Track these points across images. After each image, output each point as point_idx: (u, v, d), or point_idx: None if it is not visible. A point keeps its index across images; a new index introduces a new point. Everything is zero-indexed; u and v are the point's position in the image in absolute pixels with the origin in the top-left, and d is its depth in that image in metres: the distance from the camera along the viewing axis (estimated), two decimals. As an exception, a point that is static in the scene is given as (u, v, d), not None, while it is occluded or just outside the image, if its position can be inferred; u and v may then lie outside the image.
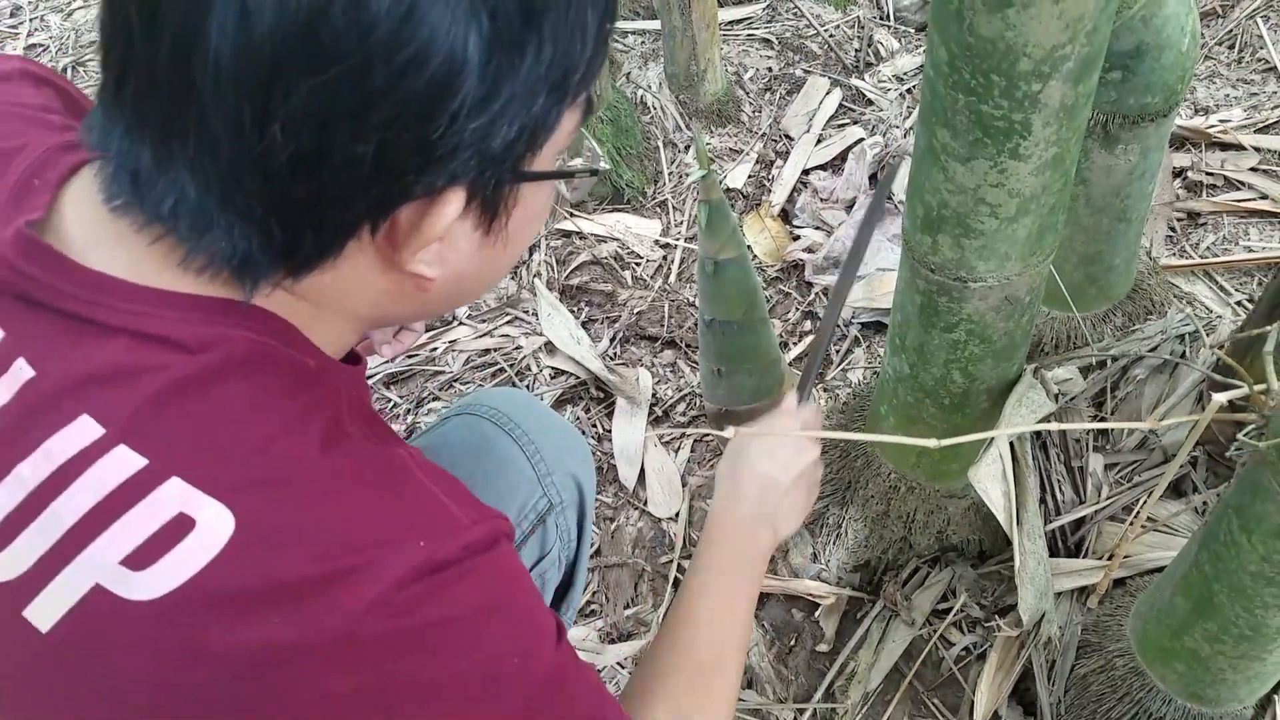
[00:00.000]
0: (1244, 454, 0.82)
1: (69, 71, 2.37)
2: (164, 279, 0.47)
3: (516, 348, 1.70)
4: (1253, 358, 1.09)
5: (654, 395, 1.61)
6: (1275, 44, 1.94)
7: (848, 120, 1.99)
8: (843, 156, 1.91)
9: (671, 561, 1.42)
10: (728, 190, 1.89)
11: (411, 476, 0.51)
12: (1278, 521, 0.80)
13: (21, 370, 0.47)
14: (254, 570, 0.44)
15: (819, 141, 1.95)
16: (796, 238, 1.81)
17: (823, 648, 1.30)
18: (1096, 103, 1.07)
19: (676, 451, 1.56)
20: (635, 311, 1.72)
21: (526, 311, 1.74)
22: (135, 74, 0.44)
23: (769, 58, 2.13)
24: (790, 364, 1.59)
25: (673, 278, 1.78)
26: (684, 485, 1.51)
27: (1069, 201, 0.89)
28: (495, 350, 1.70)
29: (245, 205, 0.45)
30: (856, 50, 2.12)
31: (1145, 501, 1.20)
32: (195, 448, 0.46)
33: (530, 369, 1.67)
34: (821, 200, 1.84)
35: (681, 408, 1.61)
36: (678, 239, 1.83)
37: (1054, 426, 0.82)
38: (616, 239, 1.84)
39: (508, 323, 1.74)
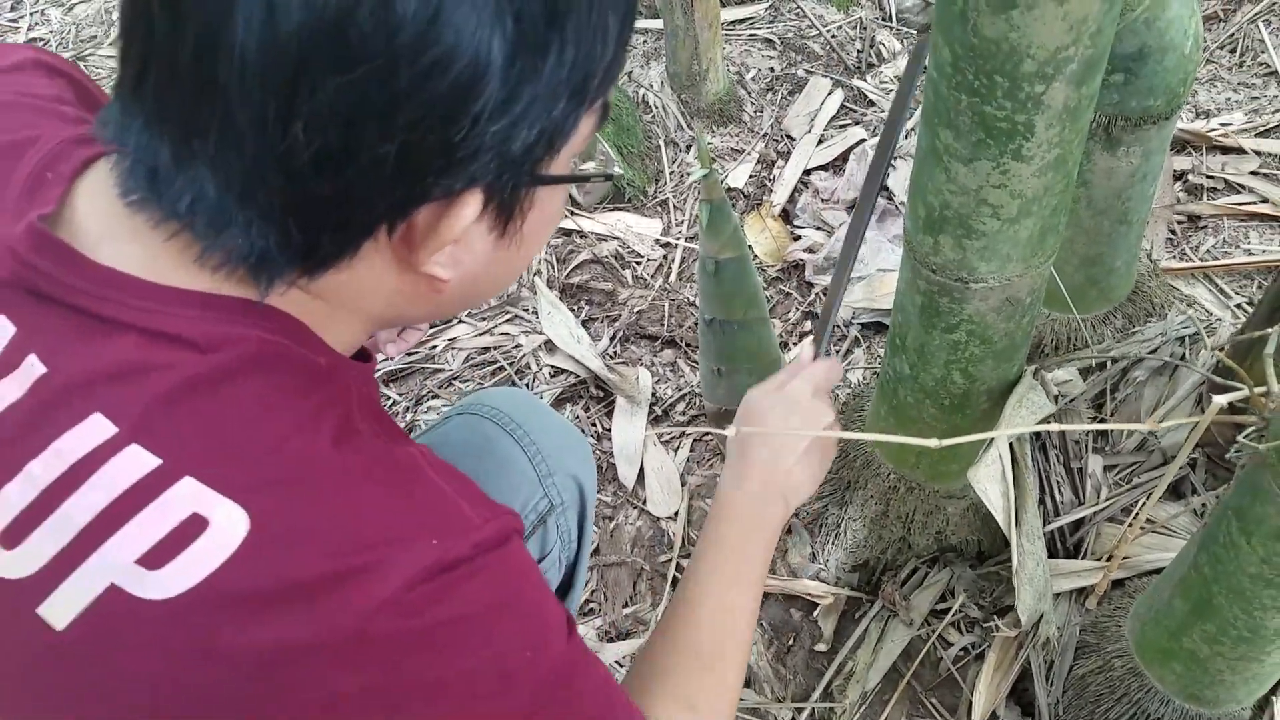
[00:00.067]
0: (1244, 456, 0.82)
1: (70, 66, 2.36)
2: (178, 276, 0.47)
3: (516, 346, 1.70)
4: (1253, 360, 1.10)
5: (654, 394, 1.61)
6: (1276, 48, 1.95)
7: (849, 121, 2.00)
8: (844, 157, 1.91)
9: (670, 560, 1.42)
10: (729, 190, 1.89)
11: (423, 474, 0.51)
12: (1277, 524, 0.80)
13: (33, 366, 0.46)
14: (268, 570, 0.44)
15: (820, 142, 1.95)
16: (797, 238, 1.81)
17: (821, 647, 1.30)
18: (1099, 105, 1.07)
19: (676, 451, 1.56)
20: (635, 310, 1.72)
21: (526, 310, 1.74)
22: (156, 68, 0.43)
23: (771, 58, 2.13)
24: (789, 363, 1.59)
25: (673, 277, 1.78)
26: (683, 485, 1.51)
27: (1070, 203, 0.89)
28: (495, 348, 1.70)
29: (265, 203, 0.44)
30: (858, 51, 2.12)
31: (1144, 503, 1.20)
32: (208, 447, 0.46)
33: (530, 367, 1.67)
34: (822, 201, 1.84)
35: (681, 407, 1.61)
36: (678, 238, 1.83)
37: (1054, 427, 0.82)
38: (617, 238, 1.84)
39: (507, 321, 1.74)
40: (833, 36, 2.15)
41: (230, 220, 0.45)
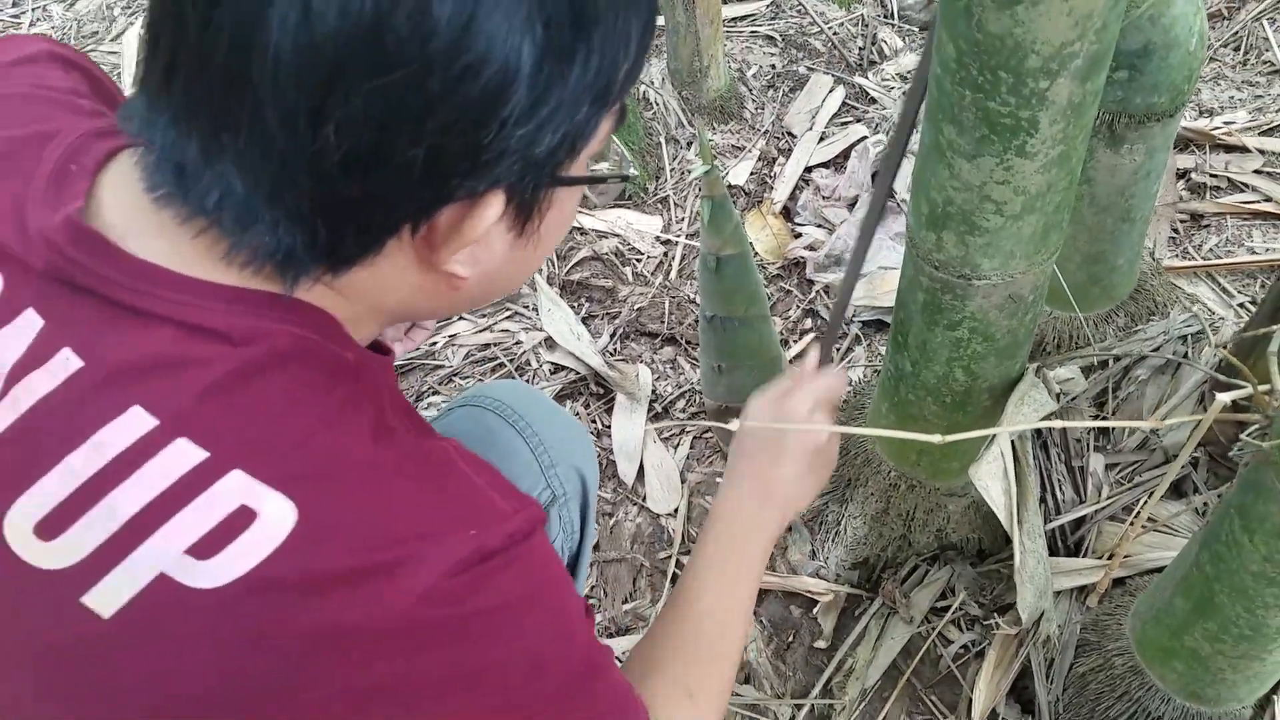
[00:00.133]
0: (1246, 454, 0.82)
1: (70, 61, 2.36)
2: (205, 271, 0.48)
3: (516, 343, 1.69)
4: (1256, 358, 1.09)
5: (654, 392, 1.61)
6: None
7: (851, 118, 1.99)
8: (845, 154, 1.90)
9: (670, 557, 1.42)
10: (730, 187, 1.89)
11: (456, 468, 0.52)
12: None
13: (68, 360, 0.47)
14: (315, 559, 0.45)
15: (822, 139, 1.95)
16: (798, 235, 1.81)
17: (820, 644, 1.30)
18: (1103, 102, 1.06)
19: (676, 448, 1.55)
20: (635, 308, 1.72)
21: (526, 307, 1.74)
22: (186, 64, 0.44)
23: (772, 55, 2.13)
24: (791, 361, 1.59)
25: (673, 274, 1.77)
26: (683, 481, 1.51)
27: (1073, 201, 0.88)
28: (495, 345, 1.70)
29: (293, 203, 0.45)
30: (860, 48, 2.12)
31: (1146, 501, 1.20)
32: (252, 440, 0.46)
33: (530, 364, 1.66)
34: (824, 198, 1.84)
35: (681, 404, 1.61)
36: (679, 235, 1.83)
37: (1057, 424, 0.81)
38: (617, 235, 1.84)
39: (508, 318, 1.74)
40: (834, 33, 2.14)
41: (257, 218, 0.45)
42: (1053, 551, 1.24)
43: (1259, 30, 1.98)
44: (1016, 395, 1.02)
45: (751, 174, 1.92)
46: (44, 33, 2.44)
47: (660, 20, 2.06)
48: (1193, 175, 1.76)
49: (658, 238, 1.83)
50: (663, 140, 1.96)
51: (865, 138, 1.91)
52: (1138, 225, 1.25)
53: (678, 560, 1.42)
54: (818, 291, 1.72)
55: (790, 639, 1.32)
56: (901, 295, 1.01)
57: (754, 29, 2.18)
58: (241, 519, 0.45)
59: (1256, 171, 1.75)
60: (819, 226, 1.81)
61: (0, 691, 0.49)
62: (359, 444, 0.48)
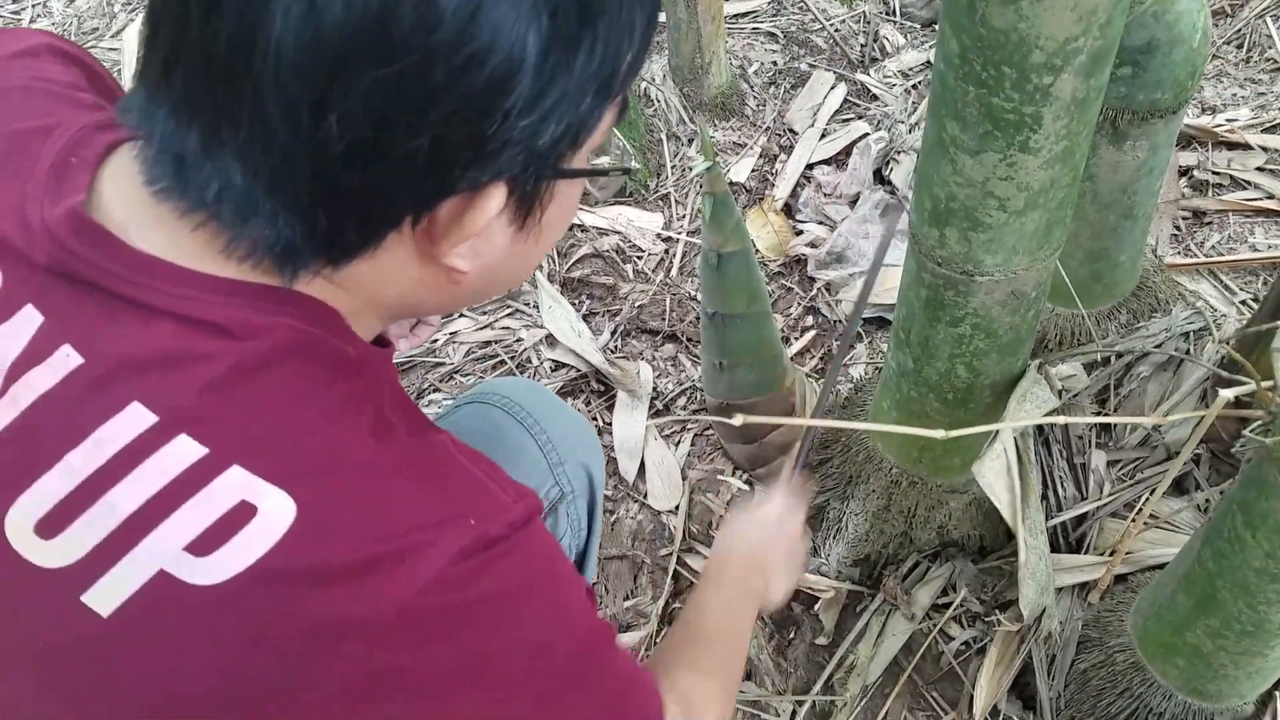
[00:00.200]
0: (1249, 450, 0.82)
1: (71, 57, 2.35)
2: (205, 264, 0.47)
3: (517, 340, 1.69)
4: (1259, 354, 1.09)
5: (655, 389, 1.61)
6: (1281, 43, 1.94)
7: (852, 115, 1.99)
8: (847, 151, 1.90)
9: (671, 554, 1.42)
10: (731, 184, 1.89)
11: (455, 460, 0.52)
12: (1283, 518, 0.80)
13: (68, 356, 0.46)
14: (315, 553, 0.45)
15: (823, 136, 1.94)
16: (799, 232, 1.80)
17: (822, 641, 1.30)
18: (1106, 98, 1.06)
19: (676, 445, 1.55)
20: (636, 305, 1.72)
21: (527, 304, 1.73)
22: (186, 56, 0.43)
23: (774, 51, 2.12)
24: (792, 359, 1.59)
25: (674, 271, 1.77)
26: (684, 479, 1.50)
27: (1076, 197, 0.88)
28: (496, 342, 1.70)
29: (293, 195, 0.44)
30: (862, 45, 2.12)
31: (1148, 498, 1.20)
32: (253, 436, 0.46)
33: (531, 361, 1.66)
34: (825, 195, 1.84)
35: (682, 401, 1.61)
36: (679, 233, 1.83)
37: (1061, 420, 0.81)
38: (618, 232, 1.84)
39: (508, 315, 1.74)
40: (836, 30, 2.14)
41: (257, 210, 0.45)
42: (1054, 548, 1.24)
43: (1262, 27, 1.98)
44: (1019, 392, 1.02)
45: (753, 171, 1.92)
46: (43, 29, 2.44)
47: (661, 17, 2.06)
48: (1195, 172, 1.76)
49: (659, 235, 1.83)
50: (664, 137, 1.95)
51: (867, 135, 1.91)
52: (1140, 222, 1.25)
53: (678, 557, 1.42)
54: (819, 288, 1.72)
55: (791, 635, 1.32)
56: (904, 292, 1.01)
57: (755, 26, 2.18)
58: (241, 515, 0.45)
59: (1259, 169, 1.75)
60: (820, 223, 1.81)
61: (1, 691, 0.49)
62: (359, 440, 0.48)
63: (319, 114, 0.41)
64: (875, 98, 2.01)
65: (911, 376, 1.05)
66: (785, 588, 0.94)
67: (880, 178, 1.84)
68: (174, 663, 0.45)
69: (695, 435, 1.57)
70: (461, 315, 1.74)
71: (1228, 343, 1.26)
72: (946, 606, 1.27)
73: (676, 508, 1.47)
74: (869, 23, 2.15)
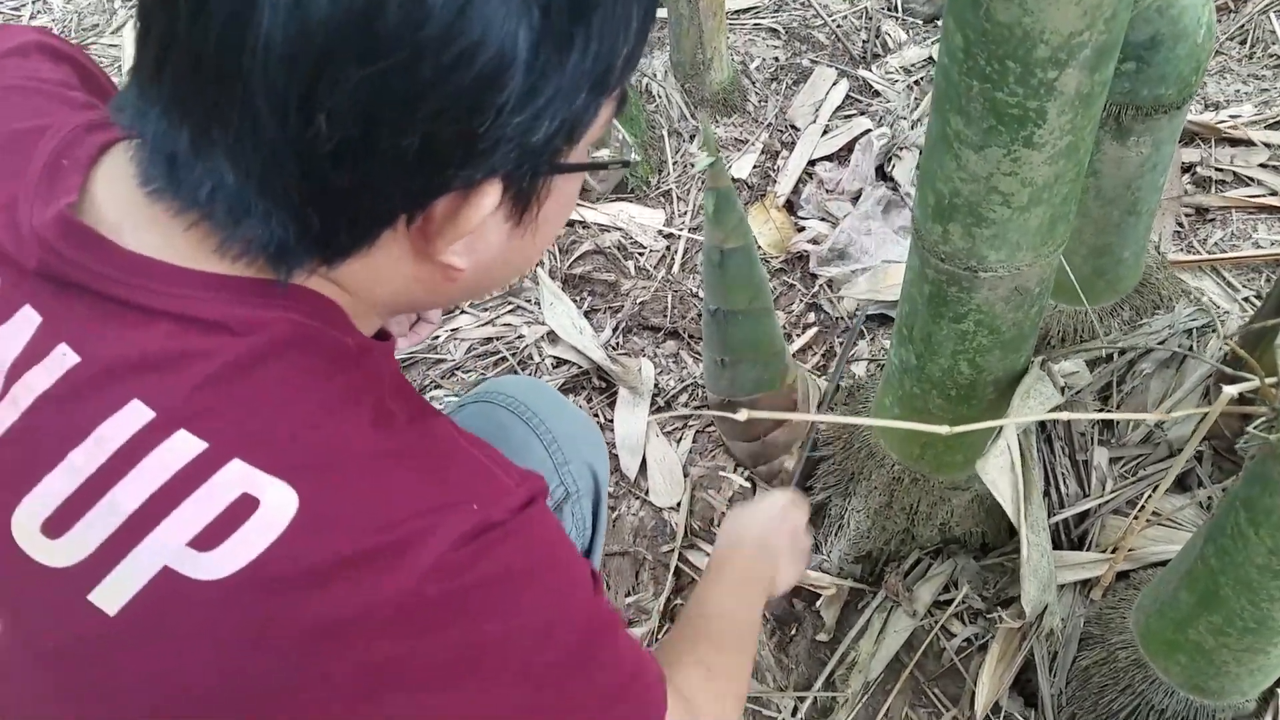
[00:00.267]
0: (1252, 447, 0.82)
1: (71, 53, 2.35)
2: (199, 263, 0.47)
3: (519, 336, 1.69)
4: (1262, 351, 1.09)
5: (656, 386, 1.61)
6: (1285, 40, 1.94)
7: (854, 111, 1.98)
8: (849, 148, 1.90)
9: (672, 551, 1.42)
10: (732, 180, 1.88)
11: (458, 446, 0.52)
12: (1286, 515, 0.80)
13: (65, 356, 0.46)
14: (317, 547, 0.45)
15: (825, 132, 1.94)
16: (801, 229, 1.80)
17: (823, 637, 1.30)
18: (1109, 93, 1.06)
19: (678, 442, 1.55)
20: (638, 301, 1.71)
21: (529, 300, 1.73)
22: (176, 54, 0.43)
23: (775, 47, 2.12)
24: (794, 355, 1.59)
25: (676, 268, 1.77)
26: (685, 475, 1.50)
27: (1080, 193, 0.88)
28: (497, 339, 1.69)
29: (284, 193, 0.44)
30: (864, 41, 2.11)
31: (1151, 495, 1.19)
32: (252, 429, 0.46)
33: (532, 358, 1.66)
34: (827, 191, 1.83)
35: (684, 398, 1.61)
36: (681, 229, 1.82)
37: (1066, 416, 0.81)
38: (620, 228, 1.83)
39: (510, 311, 1.73)
40: (838, 26, 2.14)
41: (249, 210, 0.45)
42: (1056, 545, 1.24)
43: (1266, 23, 1.97)
44: (1022, 388, 1.02)
45: (754, 167, 1.91)
46: (44, 25, 2.44)
47: (662, 13, 2.06)
48: (1198, 169, 1.76)
49: (660, 231, 1.83)
50: (665, 133, 1.95)
51: (869, 131, 1.90)
52: (1143, 218, 1.25)
53: (680, 554, 1.41)
54: (820, 285, 1.71)
55: (793, 632, 1.32)
56: (907, 288, 1.01)
57: (757, 21, 2.17)
58: (243, 508, 0.44)
59: (1262, 165, 1.75)
60: (822, 220, 1.80)
61: (6, 691, 0.48)
62: (359, 431, 0.48)
63: (307, 111, 0.41)
64: (877, 94, 2.00)
65: (914, 373, 1.05)
66: (791, 574, 0.94)
67: (882, 174, 1.84)
68: (175, 662, 0.45)
69: (697, 432, 1.56)
70: (463, 312, 1.74)
71: (1231, 339, 1.25)
72: (948, 603, 1.27)
73: (678, 504, 1.47)
74: (871, 19, 2.15)
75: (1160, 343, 1.27)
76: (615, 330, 1.68)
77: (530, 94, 0.43)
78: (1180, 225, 1.69)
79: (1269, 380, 0.78)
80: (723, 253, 1.20)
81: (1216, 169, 1.75)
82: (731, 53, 2.03)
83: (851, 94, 2.01)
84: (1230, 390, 0.79)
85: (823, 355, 1.64)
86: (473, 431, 0.55)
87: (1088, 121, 0.78)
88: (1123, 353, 1.29)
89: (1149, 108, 1.09)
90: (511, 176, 0.47)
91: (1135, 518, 1.19)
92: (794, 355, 1.59)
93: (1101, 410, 1.29)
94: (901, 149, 1.85)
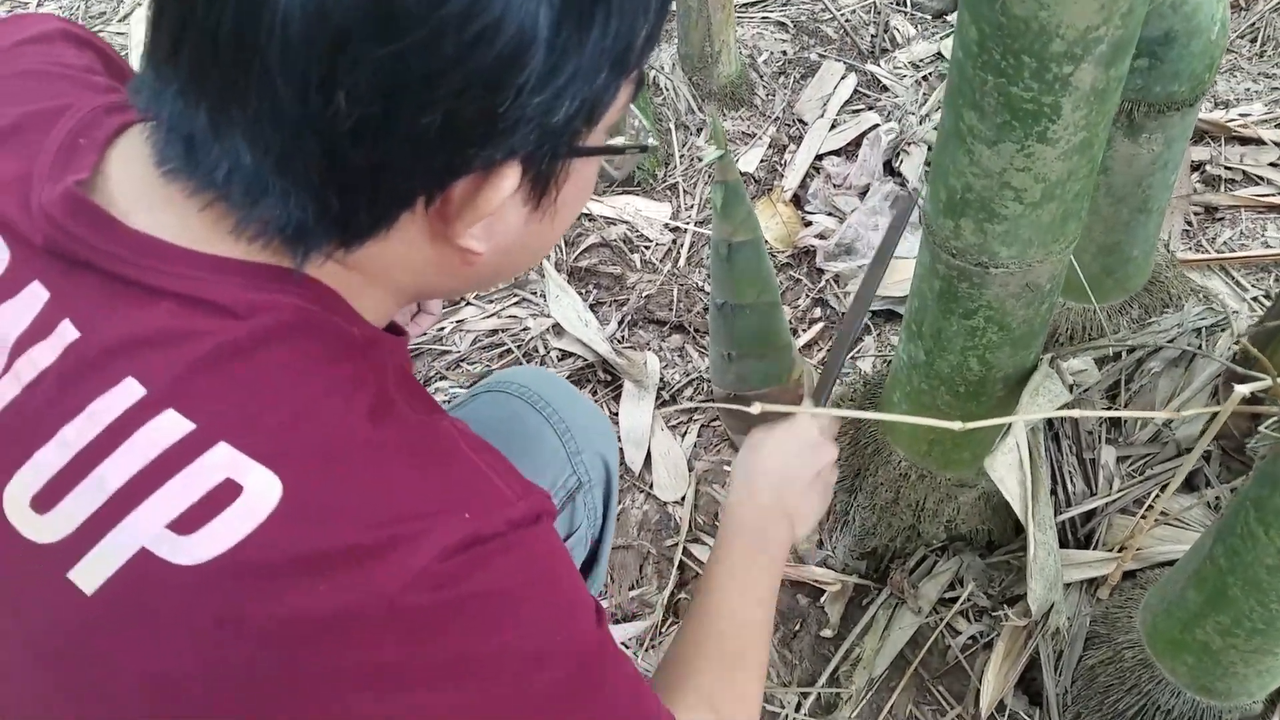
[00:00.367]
0: (1263, 447, 0.81)
1: (77, 41, 2.35)
2: (212, 244, 0.47)
3: (524, 329, 1.69)
4: (1272, 350, 1.09)
5: (661, 379, 1.60)
6: (1296, 38, 1.93)
7: (862, 106, 1.98)
8: (857, 142, 1.89)
9: (677, 545, 1.42)
10: (739, 174, 1.88)
11: (457, 449, 0.51)
12: (1298, 515, 0.79)
13: (66, 332, 0.46)
14: (299, 538, 0.44)
15: (833, 127, 1.93)
16: (808, 223, 1.80)
17: (827, 633, 1.30)
18: (1122, 90, 1.05)
19: (683, 436, 1.55)
20: (644, 295, 1.71)
21: (534, 293, 1.73)
22: (193, 34, 0.42)
23: (784, 41, 2.11)
24: (800, 350, 1.59)
25: (682, 261, 1.77)
26: (690, 469, 1.50)
27: (1092, 190, 0.87)
28: (503, 331, 1.69)
29: (303, 174, 0.44)
30: (872, 36, 2.10)
31: (1160, 494, 1.19)
32: (243, 413, 0.45)
33: (538, 350, 1.66)
34: (835, 186, 1.83)
35: (689, 392, 1.60)
36: (687, 223, 1.82)
37: (1075, 414, 0.81)
38: (626, 221, 1.83)
39: (515, 303, 1.73)
40: (846, 20, 2.13)
41: (267, 190, 0.44)
42: (1062, 544, 1.23)
43: (1276, 21, 1.96)
44: (1031, 386, 1.01)
45: (762, 161, 1.90)
46: (52, 12, 2.43)
47: (671, 5, 2.05)
48: (1207, 167, 1.75)
49: (666, 224, 1.82)
50: (672, 126, 1.94)
51: (877, 125, 1.90)
52: (1154, 216, 1.24)
53: (684, 548, 1.41)
54: (827, 280, 1.71)
55: (797, 627, 1.32)
56: (916, 283, 1.00)
57: (765, 15, 2.17)
58: (225, 494, 0.44)
59: (1272, 164, 1.74)
60: (829, 215, 1.80)
61: None
62: (356, 421, 0.47)
63: (327, 89, 0.41)
64: (885, 89, 1.99)
65: (923, 369, 1.05)
66: (814, 518, 0.88)
67: (890, 169, 1.83)
68: (152, 646, 0.44)
69: (702, 426, 1.56)
70: (468, 303, 1.74)
71: (1237, 341, 1.25)
72: (953, 601, 1.26)
73: (682, 498, 1.47)
74: (879, 13, 2.14)
75: (1169, 341, 1.27)
76: (621, 323, 1.68)
77: (551, 73, 0.43)
78: (1189, 224, 1.68)
79: (1281, 380, 0.78)
80: (730, 246, 1.20)
81: (1226, 167, 1.74)
82: (739, 46, 2.02)
83: (860, 88, 2.00)
84: (1242, 389, 0.78)
85: (830, 350, 1.64)
86: (487, 421, 0.54)
87: (1102, 117, 0.78)
88: (1131, 351, 1.28)
89: (1161, 105, 1.09)
90: (531, 158, 0.46)
91: (1143, 517, 1.19)
92: (800, 350, 1.58)
93: (1110, 409, 1.29)
94: (910, 144, 1.84)
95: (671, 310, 1.69)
